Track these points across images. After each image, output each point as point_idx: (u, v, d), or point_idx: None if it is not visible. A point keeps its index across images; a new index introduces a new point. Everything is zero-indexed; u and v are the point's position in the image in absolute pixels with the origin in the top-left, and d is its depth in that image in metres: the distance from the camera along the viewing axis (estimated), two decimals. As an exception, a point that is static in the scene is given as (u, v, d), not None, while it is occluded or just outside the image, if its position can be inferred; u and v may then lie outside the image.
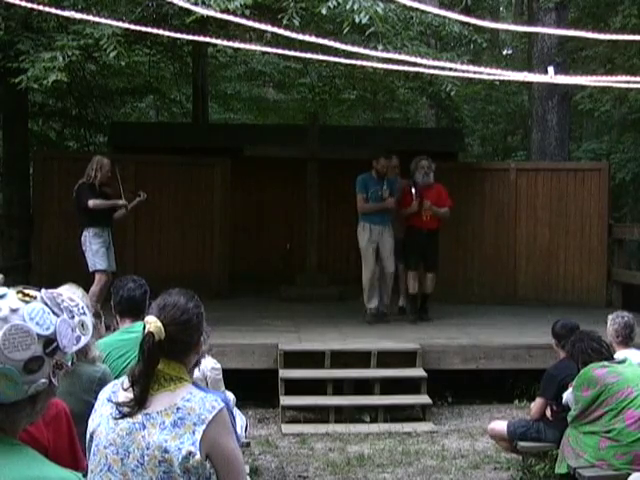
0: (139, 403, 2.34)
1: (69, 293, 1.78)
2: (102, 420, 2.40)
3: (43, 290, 1.63)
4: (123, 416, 2.35)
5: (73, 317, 1.64)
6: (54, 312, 1.59)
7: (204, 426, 2.29)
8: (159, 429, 2.30)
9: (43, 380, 1.55)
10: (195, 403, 2.32)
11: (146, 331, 2.39)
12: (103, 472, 2.35)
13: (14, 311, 1.54)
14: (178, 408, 2.32)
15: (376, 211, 9.18)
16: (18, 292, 1.58)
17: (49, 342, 1.56)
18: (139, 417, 2.34)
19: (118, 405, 2.37)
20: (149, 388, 2.36)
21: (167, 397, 2.35)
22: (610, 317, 5.61)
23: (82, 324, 1.66)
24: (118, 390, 2.43)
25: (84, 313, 1.68)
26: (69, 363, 1.62)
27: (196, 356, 2.53)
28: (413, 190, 9.16)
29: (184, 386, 2.38)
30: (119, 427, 2.35)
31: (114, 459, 2.34)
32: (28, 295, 1.58)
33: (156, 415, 2.32)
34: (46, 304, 1.59)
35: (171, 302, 2.46)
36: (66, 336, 1.59)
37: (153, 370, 2.37)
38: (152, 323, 2.39)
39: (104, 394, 2.48)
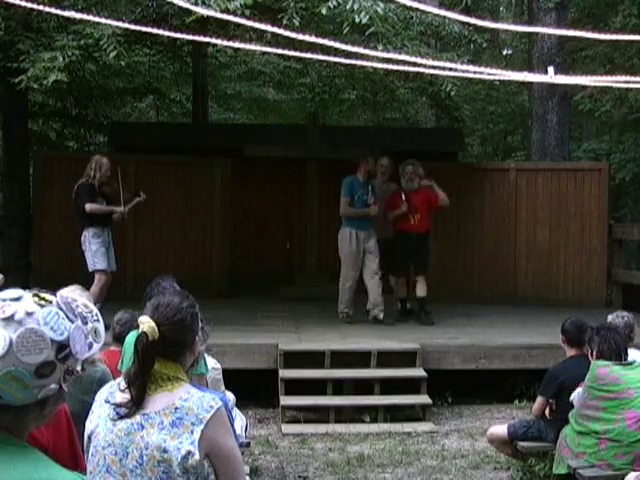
0: (136, 403, 2.34)
1: (75, 295, 1.78)
2: (100, 421, 2.39)
3: (59, 295, 1.63)
4: (121, 417, 2.34)
5: (86, 324, 1.64)
6: (69, 318, 1.59)
7: (202, 426, 2.29)
8: (158, 429, 2.30)
9: (53, 385, 1.55)
10: (193, 403, 2.32)
11: (140, 331, 2.38)
12: (102, 473, 2.34)
13: (29, 314, 1.54)
14: (176, 408, 2.31)
15: (360, 216, 9.13)
16: (34, 295, 1.58)
17: (62, 347, 1.56)
18: (137, 417, 2.33)
19: (116, 406, 2.37)
20: (146, 388, 2.35)
21: (165, 397, 2.35)
22: (610, 317, 5.61)
23: (95, 331, 1.66)
24: (115, 391, 2.42)
25: (97, 320, 1.68)
26: (79, 368, 1.61)
27: (192, 356, 2.52)
28: (403, 194, 9.12)
29: (181, 386, 2.38)
30: (117, 428, 2.34)
31: (113, 460, 2.33)
32: (44, 299, 1.58)
33: (154, 415, 2.32)
34: (61, 309, 1.59)
35: (164, 302, 2.46)
36: (79, 342, 1.59)
37: (149, 370, 2.36)
38: (145, 323, 2.38)
39: (101, 395, 2.47)
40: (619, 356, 4.96)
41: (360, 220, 9.12)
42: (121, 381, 2.43)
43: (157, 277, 4.71)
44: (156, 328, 2.37)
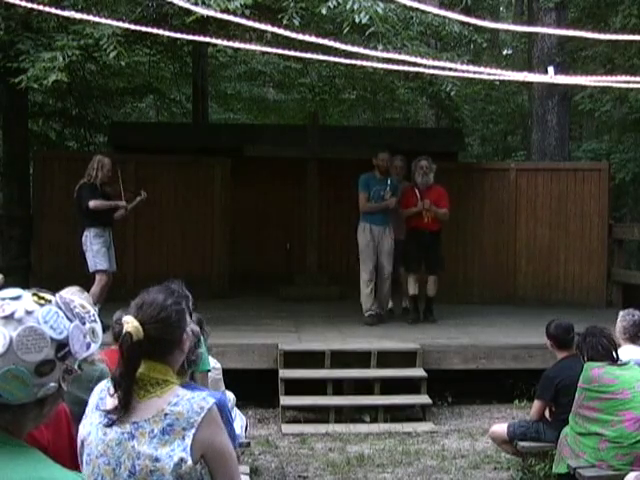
0: (124, 407, 2.29)
1: (74, 296, 1.78)
2: (92, 429, 2.37)
3: (57, 295, 1.63)
4: (112, 423, 2.31)
5: (84, 323, 1.64)
6: (68, 317, 1.59)
7: (194, 430, 2.24)
8: (148, 438, 2.26)
9: (53, 384, 1.55)
10: (183, 407, 2.27)
11: (124, 331, 2.31)
12: None
13: (29, 313, 1.54)
14: (166, 414, 2.26)
15: (377, 211, 9.17)
16: (33, 294, 1.59)
17: (61, 346, 1.56)
18: (127, 426, 2.29)
19: (106, 413, 2.33)
20: (132, 391, 2.30)
21: (155, 403, 2.30)
22: (621, 313, 5.64)
23: (93, 331, 1.66)
24: (105, 397, 2.38)
25: (95, 320, 1.69)
26: (77, 368, 1.62)
27: (182, 354, 2.45)
28: (417, 192, 9.14)
29: (171, 389, 2.32)
30: (109, 437, 2.31)
31: (106, 469, 2.30)
32: (43, 298, 1.59)
33: (144, 423, 2.28)
34: (60, 308, 1.59)
35: (149, 300, 2.38)
36: (78, 341, 1.59)
37: (135, 371, 2.31)
38: (129, 323, 2.31)
39: (93, 400, 2.44)
40: (611, 358, 4.96)
41: (376, 215, 9.17)
42: (109, 386, 2.38)
43: (166, 281, 4.64)
44: (140, 328, 2.30)
